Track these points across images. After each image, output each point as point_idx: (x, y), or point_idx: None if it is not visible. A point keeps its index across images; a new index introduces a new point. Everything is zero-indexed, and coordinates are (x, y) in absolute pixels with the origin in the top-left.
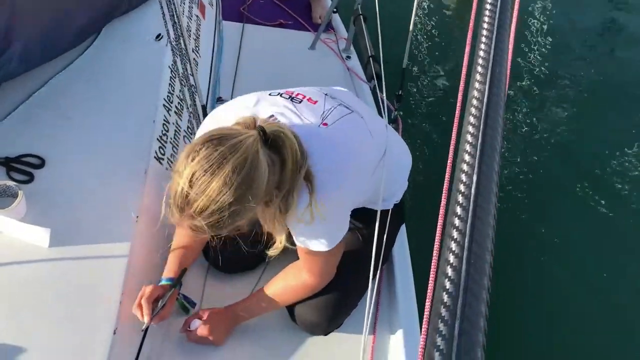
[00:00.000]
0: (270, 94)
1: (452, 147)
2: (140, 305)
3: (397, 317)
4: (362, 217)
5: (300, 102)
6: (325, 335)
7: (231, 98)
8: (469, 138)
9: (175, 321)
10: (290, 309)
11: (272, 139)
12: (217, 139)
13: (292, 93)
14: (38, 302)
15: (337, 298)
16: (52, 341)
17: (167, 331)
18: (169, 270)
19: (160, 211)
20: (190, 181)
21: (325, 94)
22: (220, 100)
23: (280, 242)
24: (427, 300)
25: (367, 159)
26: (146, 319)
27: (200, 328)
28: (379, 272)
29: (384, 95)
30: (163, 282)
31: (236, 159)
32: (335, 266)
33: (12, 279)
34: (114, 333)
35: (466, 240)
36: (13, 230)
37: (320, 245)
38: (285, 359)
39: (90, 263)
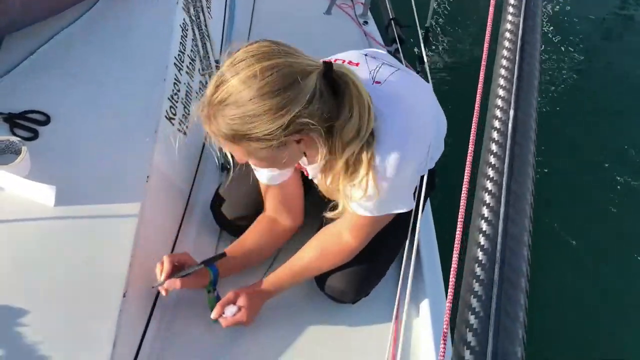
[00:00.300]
0: None
1: (481, 79)
2: (162, 263)
3: (424, 286)
4: None
5: None
6: (353, 303)
7: None
8: (503, 71)
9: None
10: (319, 277)
11: (335, 78)
12: (281, 44)
13: (330, 60)
14: (44, 262)
15: (368, 266)
16: (59, 303)
17: (179, 298)
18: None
19: (170, 172)
20: (232, 62)
21: (365, 55)
22: None
23: (342, 205)
24: (454, 251)
25: (431, 115)
26: (162, 277)
27: (239, 315)
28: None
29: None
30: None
31: (282, 62)
32: (378, 230)
33: (16, 237)
34: (124, 296)
35: (504, 179)
36: (17, 187)
37: (376, 210)
38: (312, 328)
39: (98, 223)
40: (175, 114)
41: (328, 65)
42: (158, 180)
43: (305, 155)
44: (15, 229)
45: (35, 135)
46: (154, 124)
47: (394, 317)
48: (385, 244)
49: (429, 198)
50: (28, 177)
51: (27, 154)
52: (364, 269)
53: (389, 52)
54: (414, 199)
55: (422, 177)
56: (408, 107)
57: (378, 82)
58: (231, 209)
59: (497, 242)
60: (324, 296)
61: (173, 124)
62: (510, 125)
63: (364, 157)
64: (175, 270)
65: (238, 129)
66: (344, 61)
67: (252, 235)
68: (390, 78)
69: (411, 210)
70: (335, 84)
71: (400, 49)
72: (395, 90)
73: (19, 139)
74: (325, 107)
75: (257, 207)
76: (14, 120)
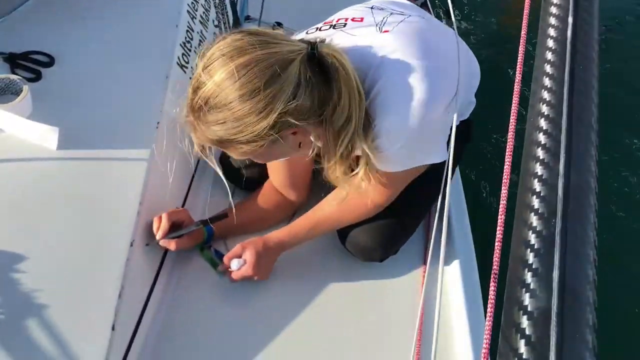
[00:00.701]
0: (307, 33)
1: None
2: (159, 218)
3: (453, 246)
4: None
5: (344, 25)
6: (380, 262)
7: (260, 17)
8: None
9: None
10: (342, 232)
11: (321, 59)
12: (257, 34)
13: (332, 21)
14: (46, 207)
15: (396, 222)
16: (61, 249)
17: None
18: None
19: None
20: (206, 64)
21: (371, 7)
22: (248, 20)
23: (335, 177)
24: (502, 198)
25: (453, 57)
26: (158, 235)
27: (244, 268)
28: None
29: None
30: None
31: (259, 56)
32: (407, 184)
33: (17, 180)
34: (131, 245)
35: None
36: (18, 129)
37: (400, 164)
38: (336, 288)
39: (105, 168)
40: (187, 62)
41: (312, 46)
42: (169, 127)
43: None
44: (16, 171)
45: (38, 76)
46: (165, 70)
47: (424, 276)
48: (415, 198)
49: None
50: (29, 119)
51: (28, 94)
52: (390, 224)
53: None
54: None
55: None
56: (425, 47)
57: (386, 31)
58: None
59: (556, 187)
60: (349, 254)
61: (185, 72)
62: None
63: (361, 145)
64: (174, 228)
65: (223, 135)
66: (346, 19)
67: (255, 203)
68: (401, 25)
69: (443, 164)
70: (322, 66)
71: (427, 2)
72: (408, 34)
73: (19, 77)
74: (315, 95)
75: None
76: (16, 61)
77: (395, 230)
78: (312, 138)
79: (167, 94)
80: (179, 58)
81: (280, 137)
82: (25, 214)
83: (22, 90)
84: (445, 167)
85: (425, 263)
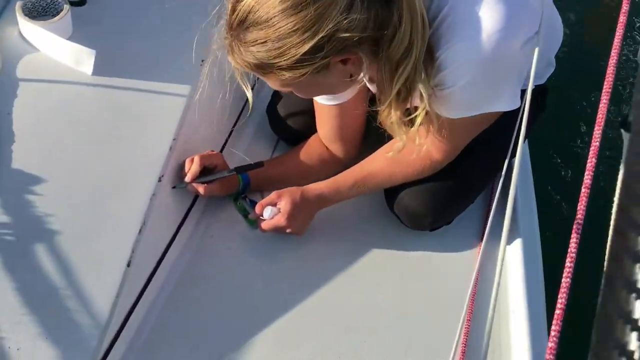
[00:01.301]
0: None
1: None
2: (191, 160)
3: (516, 224)
4: None
5: None
6: (430, 231)
7: None
8: None
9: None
10: (391, 193)
11: None
12: None
13: None
14: (73, 132)
15: (453, 187)
16: (83, 178)
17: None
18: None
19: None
20: None
21: None
22: None
23: (390, 122)
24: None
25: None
26: (187, 177)
27: (277, 217)
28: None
29: None
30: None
31: None
32: (470, 140)
33: (47, 101)
34: (159, 180)
35: None
36: (54, 48)
37: (465, 108)
38: (377, 255)
39: (140, 100)
40: None
41: None
42: (216, 67)
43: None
44: (47, 92)
45: (82, 1)
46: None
47: (479, 253)
48: (477, 164)
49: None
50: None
51: (68, 14)
52: (446, 188)
53: None
54: (521, 104)
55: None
56: None
57: None
58: (285, 108)
59: None
60: (395, 219)
61: None
62: None
63: (421, 83)
64: (206, 172)
65: (263, 58)
66: None
67: (298, 156)
68: None
69: (513, 128)
70: None
71: None
72: None
73: None
74: (372, 15)
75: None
76: None
77: (450, 196)
78: (364, 70)
79: (215, 33)
80: None
81: (328, 64)
82: (52, 136)
83: (62, 10)
84: (516, 129)
85: (481, 240)
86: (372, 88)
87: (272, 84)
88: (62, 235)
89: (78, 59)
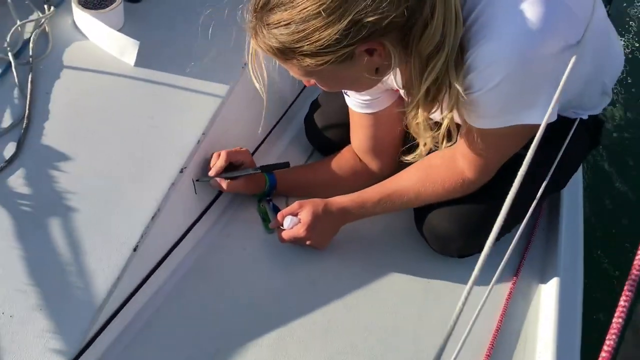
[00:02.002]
0: None
1: None
2: (218, 155)
3: (557, 263)
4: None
5: None
6: (459, 257)
7: None
8: None
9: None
10: (420, 212)
11: None
12: None
13: None
14: (106, 118)
15: (485, 210)
16: (107, 161)
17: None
18: (284, 174)
19: (275, 71)
20: None
21: None
22: None
23: (424, 144)
24: None
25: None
26: (212, 171)
27: (297, 227)
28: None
29: None
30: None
31: None
32: (505, 159)
33: (86, 86)
34: (181, 171)
35: None
36: (101, 37)
37: (492, 118)
38: (397, 278)
39: (177, 95)
40: None
41: None
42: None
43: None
44: (88, 78)
45: None
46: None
47: (511, 289)
48: (522, 186)
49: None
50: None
51: (121, 6)
52: (479, 212)
53: None
54: (570, 132)
55: (576, 121)
56: None
57: None
58: (322, 118)
59: None
60: (423, 242)
61: None
62: None
63: (450, 82)
64: (230, 168)
65: (286, 42)
66: None
67: (329, 164)
68: None
69: (555, 158)
70: None
71: None
72: None
73: None
74: (402, 3)
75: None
76: None
77: (483, 220)
78: (393, 64)
79: None
80: None
81: (353, 53)
82: (84, 117)
83: (115, 2)
84: (558, 158)
85: (517, 274)
86: (401, 90)
87: (295, 72)
88: (76, 212)
89: (123, 49)
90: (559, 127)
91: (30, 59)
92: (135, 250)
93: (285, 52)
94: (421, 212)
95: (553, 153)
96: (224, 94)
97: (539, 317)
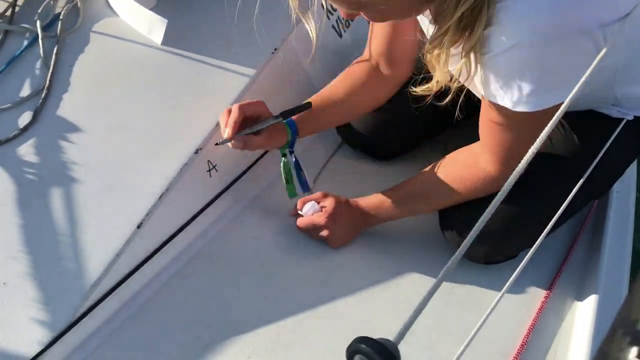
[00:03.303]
0: None
1: None
2: (228, 111)
3: (597, 278)
4: (589, 120)
5: None
6: (485, 263)
7: None
8: None
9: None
10: (444, 214)
11: None
12: None
13: None
14: (128, 93)
15: (512, 215)
16: (124, 137)
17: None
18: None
19: (307, 63)
20: None
21: None
22: None
23: (436, 80)
24: None
25: None
26: (226, 132)
27: (318, 214)
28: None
29: None
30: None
31: None
32: (526, 147)
33: (111, 60)
34: (196, 152)
35: None
36: (130, 14)
37: (503, 93)
38: (415, 280)
39: (202, 75)
40: (334, 10)
41: None
42: (285, 60)
43: None
44: (113, 53)
45: None
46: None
47: (543, 303)
48: (544, 192)
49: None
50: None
51: None
52: (509, 214)
53: None
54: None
55: (622, 122)
56: None
57: None
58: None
59: None
60: (447, 246)
61: (329, 18)
62: None
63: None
64: (246, 125)
65: None
66: None
67: (344, 81)
68: None
69: (590, 165)
70: None
71: None
72: None
73: None
74: None
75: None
76: None
77: (513, 224)
78: None
79: (296, 29)
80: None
81: None
82: (104, 92)
83: None
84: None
85: (550, 288)
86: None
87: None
88: (82, 184)
89: (150, 26)
90: (598, 126)
91: (58, 32)
92: (138, 227)
93: None
94: (445, 213)
95: (592, 156)
96: (249, 79)
97: (572, 337)
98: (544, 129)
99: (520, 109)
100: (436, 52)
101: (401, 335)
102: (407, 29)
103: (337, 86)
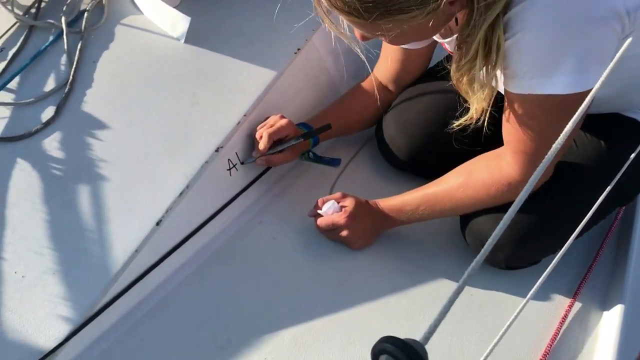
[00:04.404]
0: None
1: None
2: (260, 136)
3: (623, 287)
4: (615, 124)
5: None
6: (507, 268)
7: None
8: None
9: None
10: (465, 218)
11: None
12: None
13: None
14: (149, 89)
15: (535, 220)
16: (145, 132)
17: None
18: (315, 118)
19: (330, 63)
20: None
21: None
22: None
23: (475, 108)
24: None
25: None
26: (255, 154)
27: (338, 214)
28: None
29: None
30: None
31: None
32: (548, 146)
33: (132, 57)
34: (216, 150)
35: None
36: (154, 11)
37: (523, 75)
38: (439, 287)
39: (223, 74)
40: None
41: None
42: (308, 60)
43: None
44: (135, 49)
45: None
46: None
47: (567, 312)
48: (570, 198)
49: None
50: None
51: None
52: (529, 220)
53: None
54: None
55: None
56: None
57: None
58: (395, 127)
59: None
60: (469, 250)
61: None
62: None
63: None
64: (274, 145)
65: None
66: None
67: (359, 99)
68: None
69: (617, 170)
70: None
71: None
72: None
73: None
74: None
75: (428, 132)
76: None
77: (533, 230)
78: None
79: (318, 30)
80: None
81: (439, 5)
82: (127, 88)
83: None
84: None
85: (575, 296)
86: (449, 45)
87: (363, 29)
88: (103, 180)
89: (174, 24)
90: (625, 131)
91: (83, 28)
92: (158, 224)
93: (370, 12)
94: (467, 216)
95: (619, 161)
96: (271, 79)
97: (596, 347)
98: (556, 114)
99: (547, 91)
100: (465, 79)
101: (427, 336)
102: (418, 59)
103: (352, 104)
